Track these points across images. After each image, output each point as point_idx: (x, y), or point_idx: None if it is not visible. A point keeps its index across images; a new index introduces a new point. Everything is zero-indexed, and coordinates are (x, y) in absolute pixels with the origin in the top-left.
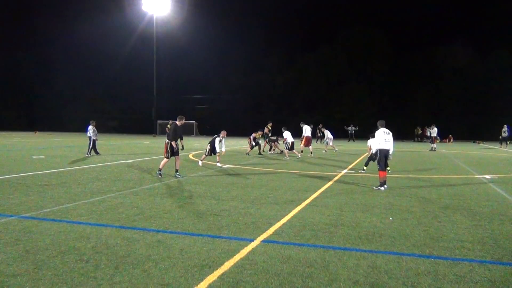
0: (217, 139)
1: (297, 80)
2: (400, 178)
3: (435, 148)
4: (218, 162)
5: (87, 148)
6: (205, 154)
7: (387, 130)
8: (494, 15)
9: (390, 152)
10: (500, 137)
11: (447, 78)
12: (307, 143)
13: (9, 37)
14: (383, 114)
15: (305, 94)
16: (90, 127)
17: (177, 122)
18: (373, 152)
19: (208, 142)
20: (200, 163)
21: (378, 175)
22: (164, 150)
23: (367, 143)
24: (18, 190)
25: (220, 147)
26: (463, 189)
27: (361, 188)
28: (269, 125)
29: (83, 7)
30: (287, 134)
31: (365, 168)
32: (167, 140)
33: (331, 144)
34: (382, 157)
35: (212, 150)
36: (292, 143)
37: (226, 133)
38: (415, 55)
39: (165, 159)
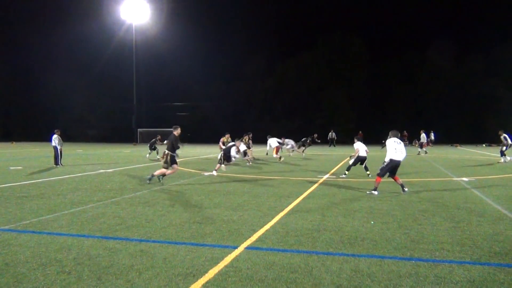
0: (233, 148)
1: (277, 86)
2: (381, 182)
3: (424, 152)
4: (215, 170)
5: (54, 159)
6: (219, 163)
7: (398, 140)
8: (468, 20)
9: (402, 160)
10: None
11: (424, 83)
12: (276, 151)
13: None
14: (362, 119)
15: (285, 100)
16: (55, 136)
17: (174, 132)
18: (385, 161)
19: (221, 151)
20: (214, 173)
21: (375, 180)
22: (162, 159)
23: (354, 146)
24: None
25: (234, 156)
26: (442, 192)
27: (342, 193)
28: (248, 136)
29: (60, 15)
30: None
31: (346, 172)
32: (166, 151)
33: (296, 149)
34: (390, 167)
35: (226, 159)
36: (244, 151)
37: (241, 143)
38: (393, 61)
39: (163, 169)
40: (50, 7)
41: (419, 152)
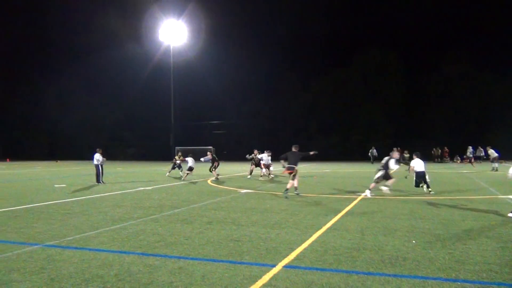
0: (392, 160)
1: (313, 103)
2: (422, 200)
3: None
4: (385, 186)
5: (96, 177)
6: (378, 180)
7: None
8: (510, 31)
9: None
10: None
11: (464, 97)
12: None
13: (30, 67)
14: (400, 134)
15: (321, 117)
16: (97, 155)
17: (294, 149)
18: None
19: (380, 166)
20: (385, 189)
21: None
22: (290, 172)
23: (410, 163)
24: (41, 219)
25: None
26: (487, 210)
27: (382, 211)
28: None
29: (102, 38)
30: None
31: (426, 188)
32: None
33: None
34: None
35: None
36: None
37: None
38: (431, 75)
39: (291, 182)
40: (91, 32)
41: (495, 168)
